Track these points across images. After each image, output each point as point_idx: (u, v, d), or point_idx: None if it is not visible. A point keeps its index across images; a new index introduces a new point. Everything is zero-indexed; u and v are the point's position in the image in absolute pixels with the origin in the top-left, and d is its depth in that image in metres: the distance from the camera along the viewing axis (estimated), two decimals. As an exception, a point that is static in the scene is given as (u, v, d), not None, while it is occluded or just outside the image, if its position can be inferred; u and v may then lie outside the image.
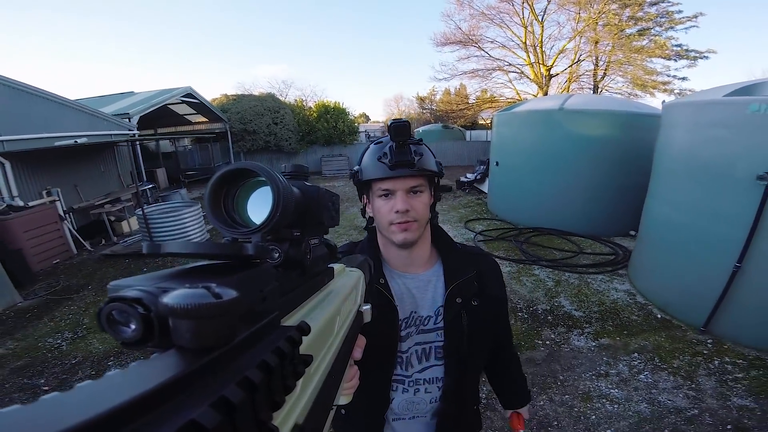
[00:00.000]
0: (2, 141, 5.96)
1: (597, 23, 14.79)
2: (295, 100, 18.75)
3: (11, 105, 6.19)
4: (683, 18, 14.16)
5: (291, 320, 0.30)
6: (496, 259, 1.14)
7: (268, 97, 15.97)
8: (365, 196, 0.95)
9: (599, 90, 16.13)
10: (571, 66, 16.16)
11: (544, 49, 16.35)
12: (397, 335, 0.94)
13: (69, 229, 6.32)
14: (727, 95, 3.24)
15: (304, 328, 0.25)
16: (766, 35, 37.35)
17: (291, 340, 0.22)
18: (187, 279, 0.22)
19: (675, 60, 14.43)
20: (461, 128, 20.89)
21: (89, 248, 6.46)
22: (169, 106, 12.43)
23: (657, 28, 14.62)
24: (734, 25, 36.97)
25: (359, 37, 75.67)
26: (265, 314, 0.24)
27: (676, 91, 14.42)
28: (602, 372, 2.98)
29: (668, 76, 14.65)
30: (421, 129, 20.13)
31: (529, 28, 16.39)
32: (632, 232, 5.76)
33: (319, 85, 58.64)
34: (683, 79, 14.51)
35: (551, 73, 16.55)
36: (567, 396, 2.73)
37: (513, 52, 17.17)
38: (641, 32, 14.71)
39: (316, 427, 0.27)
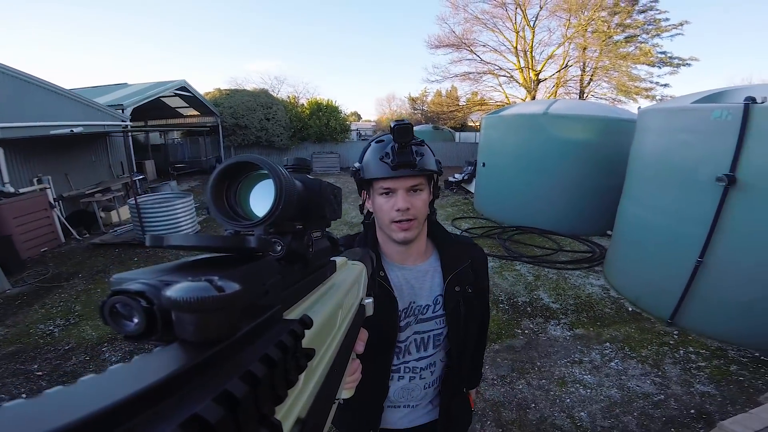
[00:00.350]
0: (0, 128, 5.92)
1: (586, 30, 15.14)
2: (288, 97, 18.72)
3: (8, 92, 6.13)
4: (669, 26, 14.59)
5: (293, 314, 0.30)
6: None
7: (261, 93, 15.94)
8: (365, 192, 0.98)
9: (585, 95, 16.52)
10: (559, 71, 16.53)
11: (534, 54, 16.69)
12: (397, 326, 0.96)
13: (58, 217, 6.29)
14: (695, 102, 3.47)
15: (306, 322, 0.25)
16: (750, 43, 38.85)
17: (293, 333, 0.22)
18: (189, 272, 0.22)
19: (659, 67, 14.87)
20: (451, 130, 21.10)
21: (78, 237, 6.43)
22: (161, 98, 12.40)
23: (644, 35, 15.03)
24: (721, 32, 38.27)
25: (354, 36, 75.67)
26: (268, 308, 0.24)
27: (657, 98, 14.86)
28: (576, 359, 3.16)
29: (651, 82, 15.10)
30: (412, 129, 20.23)
31: (521, 34, 16.71)
32: (609, 232, 6.00)
33: (311, 82, 58.37)
34: (665, 85, 14.97)
35: (539, 78, 16.90)
36: (544, 380, 2.90)
37: (504, 57, 17.49)
38: (628, 39, 15.09)
39: (318, 420, 0.27)
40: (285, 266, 0.32)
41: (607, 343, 3.37)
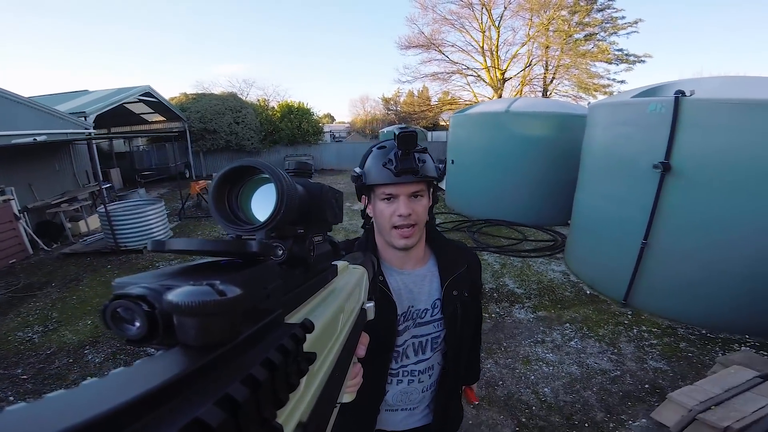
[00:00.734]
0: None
1: (548, 29, 15.75)
2: (258, 100, 18.52)
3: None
4: (625, 24, 15.38)
5: (295, 318, 0.30)
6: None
7: (229, 97, 15.70)
8: (365, 198, 0.99)
9: (549, 93, 17.19)
10: (523, 70, 17.14)
11: (499, 53, 17.23)
12: (395, 330, 0.97)
13: (24, 229, 6.10)
14: (634, 97, 3.76)
15: (307, 326, 0.25)
16: (701, 39, 41.50)
17: (295, 337, 0.22)
18: (191, 276, 0.22)
19: (616, 64, 15.67)
20: (423, 129, 21.41)
21: (46, 248, 6.28)
22: (125, 105, 12.05)
23: (602, 34, 15.78)
24: (673, 29, 40.65)
25: (325, 37, 75.12)
26: (269, 312, 0.24)
27: (615, 94, 15.68)
28: (539, 339, 3.36)
29: (609, 79, 15.91)
30: (385, 129, 20.47)
31: (487, 33, 17.21)
32: (569, 221, 6.36)
33: (282, 84, 57.67)
34: (622, 82, 15.81)
35: (505, 77, 17.45)
36: (509, 360, 3.07)
37: (471, 56, 17.99)
38: (587, 37, 15.81)
39: (319, 424, 0.27)
40: (286, 270, 0.32)
41: (567, 324, 3.59)
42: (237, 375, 0.17)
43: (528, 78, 17.27)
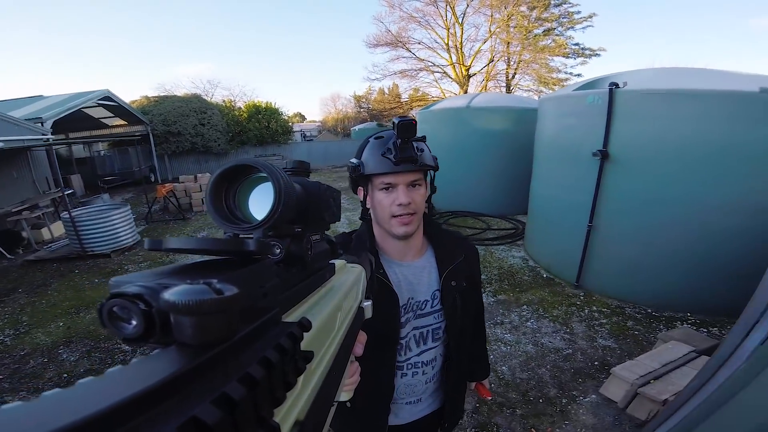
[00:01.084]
0: None
1: (509, 25, 16.22)
2: (224, 101, 18.17)
3: None
4: (581, 18, 16.03)
5: (292, 316, 0.30)
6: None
7: (193, 98, 15.33)
8: (362, 189, 0.97)
9: (512, 89, 17.72)
10: (487, 66, 17.59)
11: (463, 50, 17.62)
12: (399, 321, 0.97)
13: (-16, 239, 5.86)
14: (576, 89, 4.00)
15: (305, 325, 0.25)
16: (654, 32, 43.78)
17: (292, 336, 0.22)
18: (188, 275, 0.22)
19: (573, 58, 16.34)
20: (395, 125, 21.58)
21: (8, 255, 6.14)
22: (83, 109, 11.64)
23: (559, 28, 16.38)
24: (626, 22, 42.75)
25: (293, 37, 73.93)
26: (266, 310, 0.24)
27: (573, 88, 16.34)
28: (498, 321, 3.53)
29: (566, 73, 16.57)
30: (357, 127, 20.54)
31: (451, 30, 17.55)
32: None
33: (248, 84, 56.63)
34: (578, 75, 16.49)
35: (470, 73, 17.86)
36: (471, 340, 3.25)
37: (437, 53, 18.30)
38: (546, 32, 16.37)
39: (317, 423, 0.27)
40: (284, 269, 0.32)
41: (525, 306, 3.79)
42: (234, 374, 0.17)
43: (492, 74, 17.74)
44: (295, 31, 71.95)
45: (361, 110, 28.66)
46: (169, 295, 0.17)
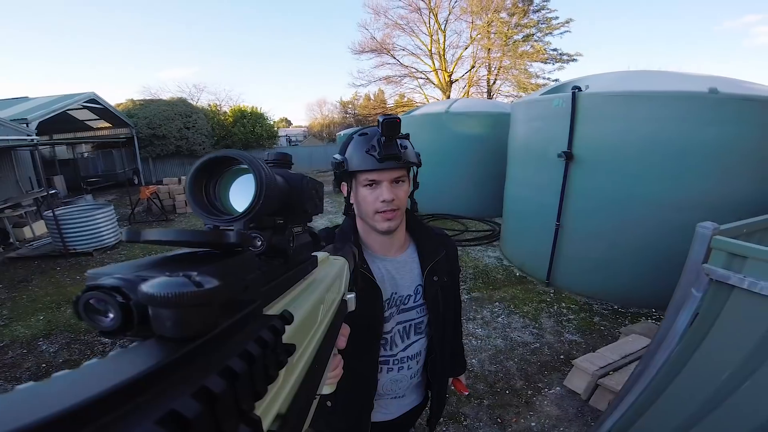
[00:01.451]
0: None
1: (489, 31, 16.55)
2: (209, 105, 18.12)
3: None
4: (558, 23, 16.42)
5: (274, 309, 0.29)
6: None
7: (178, 102, 15.34)
8: (345, 185, 0.98)
9: (493, 94, 18.07)
10: (469, 72, 17.92)
11: (446, 56, 17.91)
12: (382, 316, 0.98)
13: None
14: (543, 94, 4.16)
15: (286, 317, 0.25)
16: (630, 36, 45.09)
17: (273, 329, 0.22)
18: (167, 267, 0.21)
19: (552, 63, 16.75)
20: (380, 131, 21.71)
21: None
22: (68, 111, 11.65)
23: (538, 34, 16.74)
24: (602, 27, 44.00)
25: (280, 42, 73.69)
26: (248, 303, 0.23)
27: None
28: (471, 317, 3.61)
29: (545, 78, 16.95)
30: (342, 132, 20.55)
31: (434, 37, 17.85)
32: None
33: (234, 89, 56.19)
34: (556, 80, 16.88)
35: (452, 79, 18.16)
36: (444, 335, 3.32)
37: (421, 60, 18.57)
38: (525, 38, 16.72)
39: (299, 416, 0.27)
40: (265, 261, 0.32)
41: (497, 303, 3.88)
42: (214, 367, 0.17)
43: (474, 80, 18.07)
44: (281, 36, 71.63)
45: (348, 115, 28.76)
46: (147, 287, 0.17)
